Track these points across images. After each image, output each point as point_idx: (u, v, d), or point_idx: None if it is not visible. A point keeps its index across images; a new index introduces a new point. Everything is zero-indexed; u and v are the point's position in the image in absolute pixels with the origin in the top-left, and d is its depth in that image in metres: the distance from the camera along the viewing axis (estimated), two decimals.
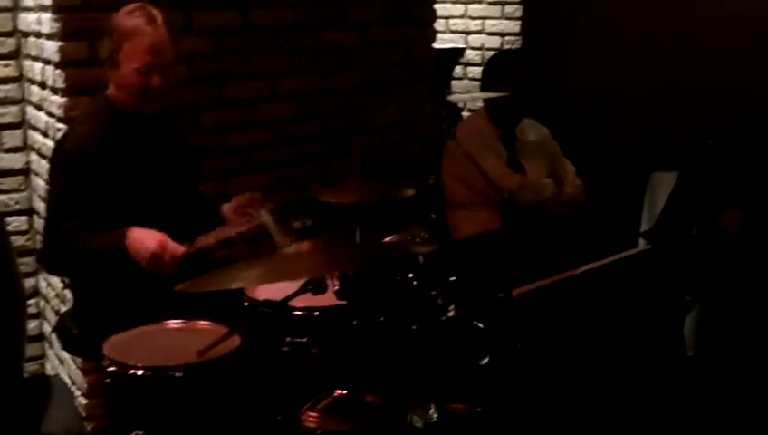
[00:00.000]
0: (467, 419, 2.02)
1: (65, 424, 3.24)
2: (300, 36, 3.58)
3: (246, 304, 2.40)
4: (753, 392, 2.93)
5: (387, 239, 2.63)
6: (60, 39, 2.98)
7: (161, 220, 2.53)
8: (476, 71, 4.83)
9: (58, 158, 2.65)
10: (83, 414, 3.25)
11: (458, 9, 5.08)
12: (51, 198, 2.67)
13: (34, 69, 3.29)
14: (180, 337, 2.27)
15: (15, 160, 3.49)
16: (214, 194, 3.12)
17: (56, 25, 2.97)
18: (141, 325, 2.30)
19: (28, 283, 3.53)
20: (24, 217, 3.52)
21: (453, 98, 3.55)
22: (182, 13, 3.21)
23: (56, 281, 3.33)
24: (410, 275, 2.31)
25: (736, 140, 3.05)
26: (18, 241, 3.49)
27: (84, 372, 3.17)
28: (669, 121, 4.34)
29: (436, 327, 2.29)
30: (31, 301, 3.57)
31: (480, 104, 3.84)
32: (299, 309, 2.28)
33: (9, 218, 3.45)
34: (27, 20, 3.29)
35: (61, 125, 3.01)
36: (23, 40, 3.39)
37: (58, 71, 3.01)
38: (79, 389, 3.28)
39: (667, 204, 3.06)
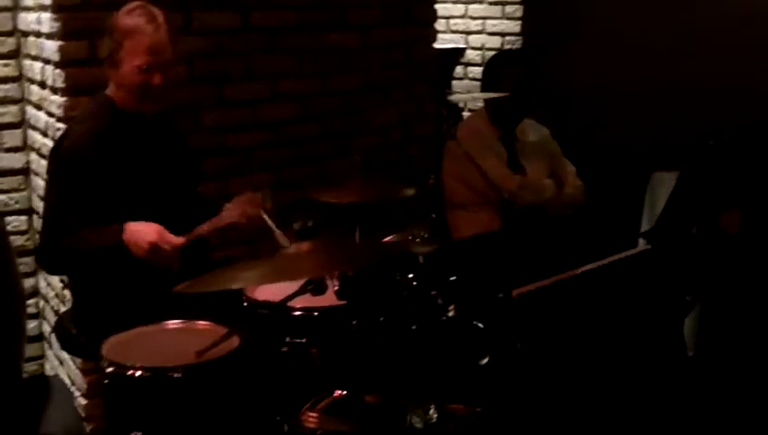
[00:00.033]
0: (467, 419, 2.02)
1: (64, 425, 3.24)
2: (300, 38, 3.58)
3: (246, 304, 2.40)
4: (753, 392, 2.93)
5: (387, 239, 2.63)
6: (60, 38, 2.98)
7: (160, 221, 2.53)
8: (477, 71, 4.82)
9: (56, 156, 2.65)
10: (83, 415, 3.25)
11: (459, 9, 5.07)
12: (48, 197, 2.66)
13: (34, 68, 3.29)
14: (179, 338, 2.27)
15: (15, 160, 3.48)
16: (214, 194, 3.11)
17: (56, 25, 2.97)
18: (140, 325, 2.30)
19: (27, 283, 3.53)
20: (23, 217, 3.52)
21: (453, 98, 3.54)
22: (182, 13, 3.21)
23: (56, 281, 3.32)
24: (410, 275, 2.31)
25: (737, 140, 3.05)
26: (18, 241, 3.49)
27: (84, 372, 3.17)
28: (669, 121, 4.34)
29: (436, 327, 2.29)
30: (30, 301, 3.56)
31: (480, 104, 3.84)
32: (298, 309, 2.28)
33: (9, 218, 3.45)
34: (27, 19, 3.28)
35: (60, 125, 3.01)
36: (22, 39, 3.39)
37: (58, 70, 3.01)
38: (78, 389, 3.28)
39: (668, 204, 3.06)
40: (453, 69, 5.08)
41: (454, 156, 3.35)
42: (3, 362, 3.20)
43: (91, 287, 2.69)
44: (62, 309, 3.20)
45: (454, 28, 5.10)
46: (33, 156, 3.44)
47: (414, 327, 2.24)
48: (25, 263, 3.51)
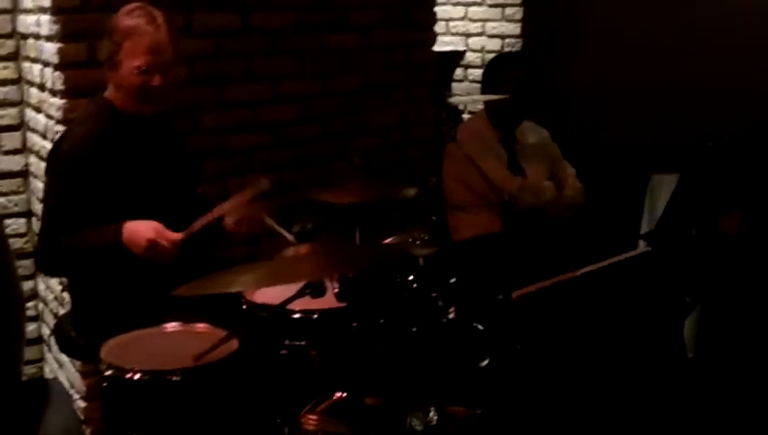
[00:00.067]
0: (467, 421, 2.02)
1: (64, 427, 3.24)
2: (301, 39, 3.58)
3: (244, 307, 2.39)
4: (753, 393, 2.92)
5: (387, 241, 2.62)
6: (59, 41, 2.98)
7: (160, 222, 2.52)
8: (477, 73, 4.83)
9: (55, 158, 2.64)
10: (82, 417, 3.24)
11: (459, 11, 5.08)
12: (47, 199, 2.66)
13: (33, 71, 3.28)
14: (178, 340, 2.26)
15: (14, 163, 3.48)
16: (213, 196, 3.11)
17: (55, 27, 2.97)
18: (139, 328, 2.29)
19: (27, 285, 3.53)
20: (22, 220, 3.52)
21: (453, 100, 3.54)
22: (183, 14, 3.21)
23: (55, 284, 3.32)
24: (410, 277, 2.31)
25: (736, 142, 3.05)
26: (17, 244, 3.49)
27: (83, 375, 3.16)
28: (669, 123, 4.34)
29: (437, 329, 2.29)
30: (29, 304, 3.56)
31: (480, 107, 3.83)
32: (297, 312, 2.28)
33: (8, 221, 3.45)
34: (26, 22, 3.28)
35: (60, 127, 3.01)
36: (22, 42, 3.39)
37: (57, 72, 3.01)
38: (77, 392, 3.27)
39: (668, 206, 3.06)
40: (453, 71, 5.08)
41: (454, 158, 3.35)
42: (2, 365, 3.20)
43: (90, 290, 2.69)
44: (62, 312, 3.19)
45: (454, 30, 5.11)
46: (33, 158, 3.44)
47: (414, 329, 2.23)
48: (24, 265, 3.51)
